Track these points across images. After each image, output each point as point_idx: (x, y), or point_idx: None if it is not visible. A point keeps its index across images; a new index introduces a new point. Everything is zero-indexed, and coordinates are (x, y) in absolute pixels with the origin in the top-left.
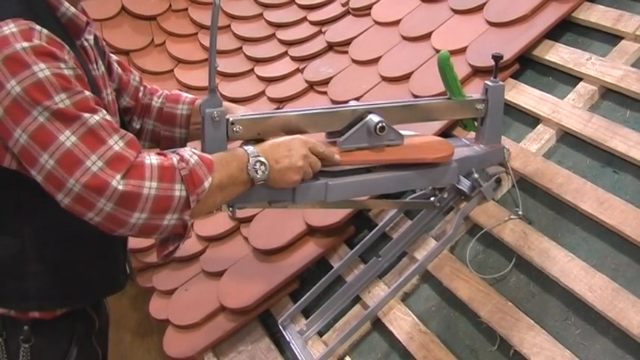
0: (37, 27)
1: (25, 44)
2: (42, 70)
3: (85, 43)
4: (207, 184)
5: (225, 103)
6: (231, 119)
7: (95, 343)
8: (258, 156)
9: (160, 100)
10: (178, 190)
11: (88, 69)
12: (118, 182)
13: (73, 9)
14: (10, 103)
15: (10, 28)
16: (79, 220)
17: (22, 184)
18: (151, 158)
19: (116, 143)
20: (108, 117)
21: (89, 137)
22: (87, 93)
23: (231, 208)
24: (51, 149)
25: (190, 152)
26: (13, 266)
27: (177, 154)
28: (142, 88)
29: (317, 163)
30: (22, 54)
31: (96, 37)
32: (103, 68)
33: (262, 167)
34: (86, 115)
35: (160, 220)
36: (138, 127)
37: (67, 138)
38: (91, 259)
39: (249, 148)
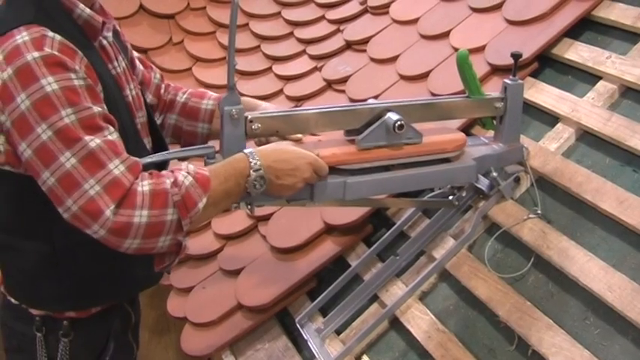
0: (50, 33)
1: (36, 54)
2: (50, 83)
3: (104, 42)
4: (200, 205)
5: (248, 100)
6: (249, 117)
7: (131, 338)
8: (260, 170)
9: (184, 96)
10: (170, 215)
11: (106, 69)
12: (111, 212)
13: (88, 10)
14: (18, 116)
15: (23, 36)
16: None
17: None
18: (143, 185)
19: (116, 167)
20: (114, 135)
21: (89, 161)
22: (95, 109)
23: (249, 206)
24: (52, 168)
25: (185, 172)
26: (46, 269)
27: (173, 174)
28: (163, 86)
29: (314, 179)
30: (33, 65)
31: (116, 32)
32: (124, 63)
33: (261, 181)
34: (87, 137)
35: (153, 244)
36: (159, 122)
37: (68, 159)
38: (123, 257)
39: (254, 159)
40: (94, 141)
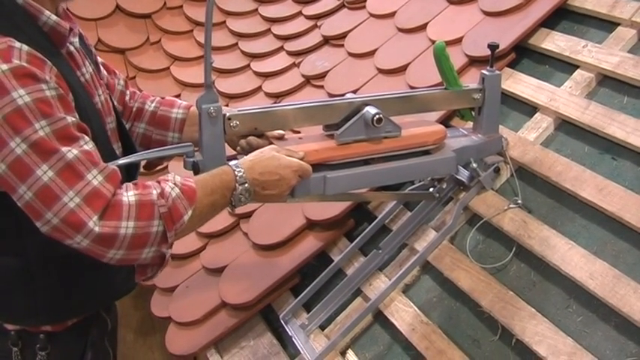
0: (17, 44)
1: (5, 67)
2: (21, 96)
3: (71, 48)
4: (186, 217)
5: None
6: (227, 114)
7: (107, 344)
8: (246, 183)
9: (153, 105)
10: (156, 226)
11: (76, 77)
12: (94, 223)
13: (54, 17)
14: None
15: None
16: None
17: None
18: (129, 195)
19: (95, 178)
20: (89, 145)
21: (66, 172)
22: (69, 119)
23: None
24: (29, 182)
25: (172, 184)
26: (20, 284)
27: (159, 185)
28: (127, 92)
29: (299, 182)
30: (2, 78)
31: (81, 36)
32: (91, 68)
33: (247, 194)
34: (64, 149)
35: (137, 255)
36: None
37: (44, 172)
38: (96, 269)
39: (239, 172)
40: (70, 152)
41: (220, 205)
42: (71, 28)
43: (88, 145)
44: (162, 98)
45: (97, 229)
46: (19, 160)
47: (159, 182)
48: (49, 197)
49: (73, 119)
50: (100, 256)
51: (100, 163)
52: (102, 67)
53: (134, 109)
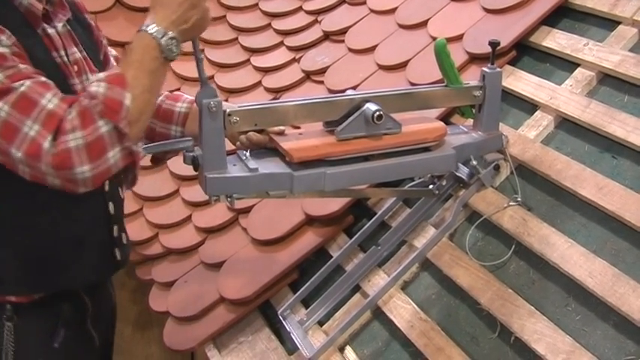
0: None
1: None
2: None
3: (50, 30)
4: (127, 101)
5: None
6: (228, 110)
7: (90, 328)
8: (166, 33)
9: (159, 98)
10: (103, 126)
11: (50, 56)
12: (50, 143)
13: None
14: None
15: None
16: (44, 207)
17: None
18: (71, 112)
19: (50, 101)
20: (43, 78)
21: (21, 103)
22: (22, 66)
23: (229, 199)
24: None
25: (96, 82)
26: None
27: (86, 91)
28: None
29: None
30: None
31: (88, 27)
32: (80, 55)
33: (173, 41)
34: (17, 83)
35: (105, 163)
36: None
37: (1, 109)
38: (63, 247)
39: (152, 29)
40: (23, 85)
41: (158, 66)
42: (48, 10)
43: (41, 78)
44: (170, 92)
45: (51, 149)
46: None
47: (86, 89)
48: (10, 131)
49: (29, 67)
50: (75, 182)
51: (55, 89)
52: (112, 60)
53: None
